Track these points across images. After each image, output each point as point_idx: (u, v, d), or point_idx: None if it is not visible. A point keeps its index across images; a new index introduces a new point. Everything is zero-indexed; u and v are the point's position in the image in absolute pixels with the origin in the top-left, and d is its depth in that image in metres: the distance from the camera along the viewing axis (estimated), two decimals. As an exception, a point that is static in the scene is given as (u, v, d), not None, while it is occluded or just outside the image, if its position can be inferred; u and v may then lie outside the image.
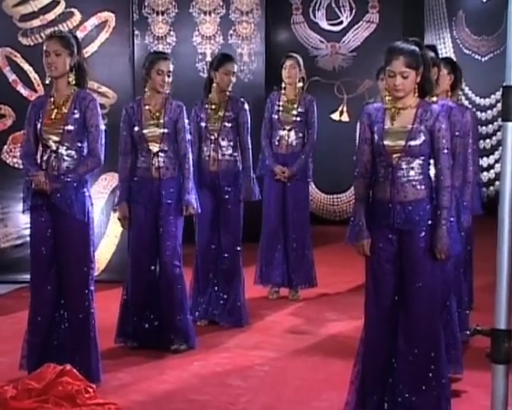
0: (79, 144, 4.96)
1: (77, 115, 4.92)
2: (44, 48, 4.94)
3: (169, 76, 5.80)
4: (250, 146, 6.57)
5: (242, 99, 6.56)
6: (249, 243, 7.09)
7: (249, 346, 6.04)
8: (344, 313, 6.81)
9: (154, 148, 5.79)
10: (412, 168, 4.21)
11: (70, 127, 4.92)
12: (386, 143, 4.23)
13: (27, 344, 5.02)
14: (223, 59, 6.57)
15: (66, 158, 4.93)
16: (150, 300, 5.83)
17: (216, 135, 6.43)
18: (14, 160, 7.75)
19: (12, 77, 7.81)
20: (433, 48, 5.67)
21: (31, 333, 5.02)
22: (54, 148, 4.93)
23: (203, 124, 6.45)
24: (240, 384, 5.20)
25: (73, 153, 4.95)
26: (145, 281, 5.83)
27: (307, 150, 7.30)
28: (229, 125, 6.44)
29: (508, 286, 2.74)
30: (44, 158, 4.97)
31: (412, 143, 4.19)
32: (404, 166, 4.20)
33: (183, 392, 5.08)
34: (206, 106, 6.48)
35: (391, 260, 4.26)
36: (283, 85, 7.29)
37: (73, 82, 4.96)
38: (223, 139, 6.43)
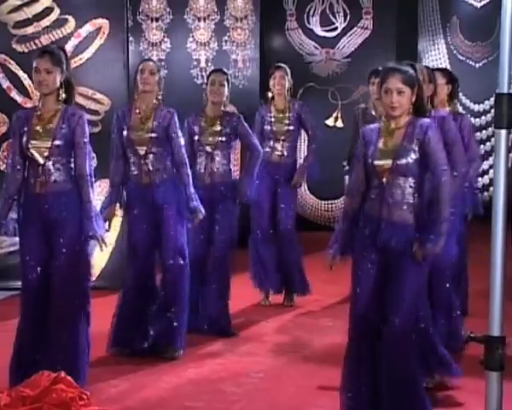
0: (66, 159, 4.95)
1: (65, 130, 4.90)
2: (35, 65, 4.89)
3: (152, 74, 5.78)
4: (261, 150, 6.59)
5: (236, 112, 6.58)
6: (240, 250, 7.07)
7: (244, 352, 6.03)
8: (339, 320, 6.78)
9: (142, 151, 5.78)
10: (403, 189, 4.19)
11: (58, 142, 4.90)
12: (376, 163, 4.23)
13: (13, 359, 5.00)
14: (211, 71, 6.72)
15: (53, 172, 4.91)
16: (146, 307, 5.82)
17: (210, 149, 6.41)
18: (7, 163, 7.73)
19: (6, 84, 7.79)
20: (427, 67, 5.74)
21: (18, 349, 5.00)
22: (41, 162, 4.91)
23: (196, 137, 6.43)
24: (234, 391, 5.20)
25: (60, 167, 4.93)
26: (142, 288, 5.82)
27: (313, 148, 7.40)
28: (225, 139, 6.43)
29: (501, 293, 2.74)
30: (31, 172, 4.95)
31: (399, 161, 4.17)
32: (394, 186, 4.19)
33: (177, 399, 5.08)
34: (200, 118, 6.46)
35: (371, 278, 4.25)
36: (271, 95, 7.30)
37: (63, 98, 4.95)
38: (217, 154, 6.41)
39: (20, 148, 4.96)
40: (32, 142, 4.92)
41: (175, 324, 5.79)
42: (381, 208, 4.22)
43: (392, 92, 4.18)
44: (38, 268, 4.93)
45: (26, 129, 4.94)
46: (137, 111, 5.83)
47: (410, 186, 4.20)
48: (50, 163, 4.91)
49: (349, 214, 4.39)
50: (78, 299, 4.96)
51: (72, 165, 4.97)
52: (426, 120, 4.24)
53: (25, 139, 4.93)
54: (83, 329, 5.00)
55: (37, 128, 4.92)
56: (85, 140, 4.95)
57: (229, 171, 6.50)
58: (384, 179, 4.22)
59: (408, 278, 4.18)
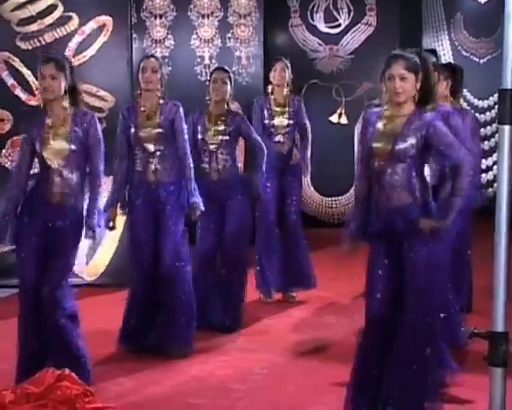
0: (81, 163, 4.97)
1: (79, 134, 4.93)
2: (41, 71, 4.91)
3: (154, 72, 5.78)
4: (264, 147, 6.58)
5: (240, 111, 6.60)
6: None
7: (248, 349, 6.03)
8: (343, 317, 6.80)
9: (150, 149, 5.78)
10: (400, 175, 4.17)
11: (73, 147, 4.92)
12: (374, 145, 4.25)
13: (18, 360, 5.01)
14: (213, 70, 6.74)
15: (67, 178, 4.92)
16: (151, 304, 5.82)
17: (214, 148, 6.41)
18: (13, 164, 7.73)
19: (10, 81, 7.80)
20: (434, 52, 5.67)
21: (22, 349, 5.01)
22: (58, 169, 4.91)
23: (200, 136, 6.43)
24: (239, 388, 5.20)
25: (76, 172, 4.95)
26: (146, 285, 5.80)
27: (307, 144, 7.39)
28: (229, 138, 6.43)
29: (505, 289, 2.74)
30: (44, 176, 4.93)
31: (398, 146, 4.17)
32: (392, 171, 4.19)
33: (182, 396, 5.08)
34: (204, 117, 6.45)
35: (384, 269, 4.23)
36: (271, 89, 7.31)
37: (67, 105, 4.95)
38: (221, 153, 6.41)
39: (32, 153, 4.96)
40: (47, 148, 4.92)
41: (178, 323, 5.78)
42: (380, 195, 4.23)
43: (395, 78, 4.19)
44: (36, 270, 4.93)
45: (39, 136, 4.94)
46: (142, 109, 5.83)
47: (408, 171, 4.18)
48: (67, 169, 4.92)
49: (359, 199, 4.41)
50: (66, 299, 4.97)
51: (85, 168, 5.00)
52: (429, 114, 4.22)
53: (38, 146, 4.93)
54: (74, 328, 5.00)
55: (51, 135, 4.93)
56: (99, 139, 4.99)
57: (236, 167, 6.51)
58: (382, 163, 4.22)
59: (420, 262, 4.14)
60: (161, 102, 5.82)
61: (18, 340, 5.01)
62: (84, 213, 5.00)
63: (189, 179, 5.79)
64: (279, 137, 7.28)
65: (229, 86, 6.42)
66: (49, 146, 4.93)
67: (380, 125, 4.27)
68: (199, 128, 6.42)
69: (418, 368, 4.20)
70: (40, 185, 4.97)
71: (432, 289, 4.20)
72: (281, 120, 7.28)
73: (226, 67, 6.76)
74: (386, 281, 4.23)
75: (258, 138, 6.61)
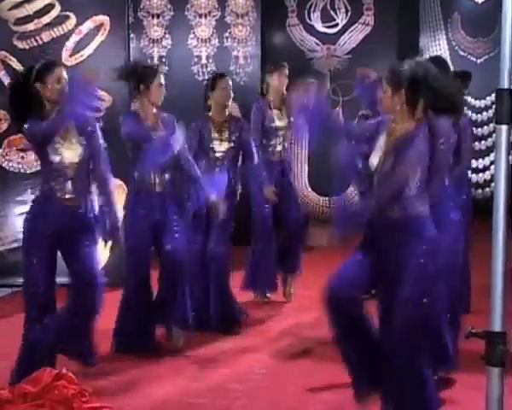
0: (88, 169, 5.03)
1: (85, 140, 4.98)
2: (58, 75, 4.92)
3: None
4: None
5: (241, 117, 6.68)
6: (239, 246, 7.11)
7: (246, 349, 6.04)
8: (340, 316, 6.79)
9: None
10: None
11: (83, 153, 4.97)
12: (373, 160, 4.25)
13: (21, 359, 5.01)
14: (216, 77, 6.64)
15: (79, 184, 4.95)
16: (147, 304, 5.82)
17: (220, 155, 6.45)
18: (10, 163, 7.74)
19: (7, 81, 7.78)
20: (436, 60, 5.64)
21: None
22: (70, 176, 4.94)
23: (207, 145, 6.44)
24: (237, 388, 5.20)
25: (84, 178, 5.00)
26: (142, 286, 5.81)
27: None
28: (234, 145, 6.48)
29: (502, 289, 2.74)
30: (56, 185, 4.94)
31: (386, 162, 4.19)
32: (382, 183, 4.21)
33: (179, 396, 5.09)
34: (209, 124, 6.47)
35: (359, 264, 4.26)
36: (270, 91, 7.30)
37: None
38: (226, 159, 6.45)
39: (48, 161, 4.97)
40: (63, 157, 4.93)
41: (175, 321, 5.81)
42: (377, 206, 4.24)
43: None
44: (48, 272, 4.96)
45: (50, 144, 4.92)
46: (147, 118, 5.81)
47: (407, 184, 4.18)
48: (78, 174, 4.96)
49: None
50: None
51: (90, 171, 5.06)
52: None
53: (54, 156, 4.93)
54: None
55: (62, 143, 4.94)
56: (103, 144, 5.07)
57: (234, 183, 6.52)
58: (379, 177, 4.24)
59: (410, 272, 4.12)
60: (159, 113, 5.84)
61: (24, 340, 4.99)
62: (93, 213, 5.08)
63: (198, 179, 5.89)
64: (280, 139, 7.29)
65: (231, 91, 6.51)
66: (64, 156, 4.94)
67: (382, 138, 4.26)
68: (205, 137, 6.44)
69: (409, 370, 4.19)
70: (55, 192, 4.96)
71: (420, 295, 4.17)
72: (281, 121, 7.30)
73: (226, 74, 6.81)
74: (362, 266, 4.24)
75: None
